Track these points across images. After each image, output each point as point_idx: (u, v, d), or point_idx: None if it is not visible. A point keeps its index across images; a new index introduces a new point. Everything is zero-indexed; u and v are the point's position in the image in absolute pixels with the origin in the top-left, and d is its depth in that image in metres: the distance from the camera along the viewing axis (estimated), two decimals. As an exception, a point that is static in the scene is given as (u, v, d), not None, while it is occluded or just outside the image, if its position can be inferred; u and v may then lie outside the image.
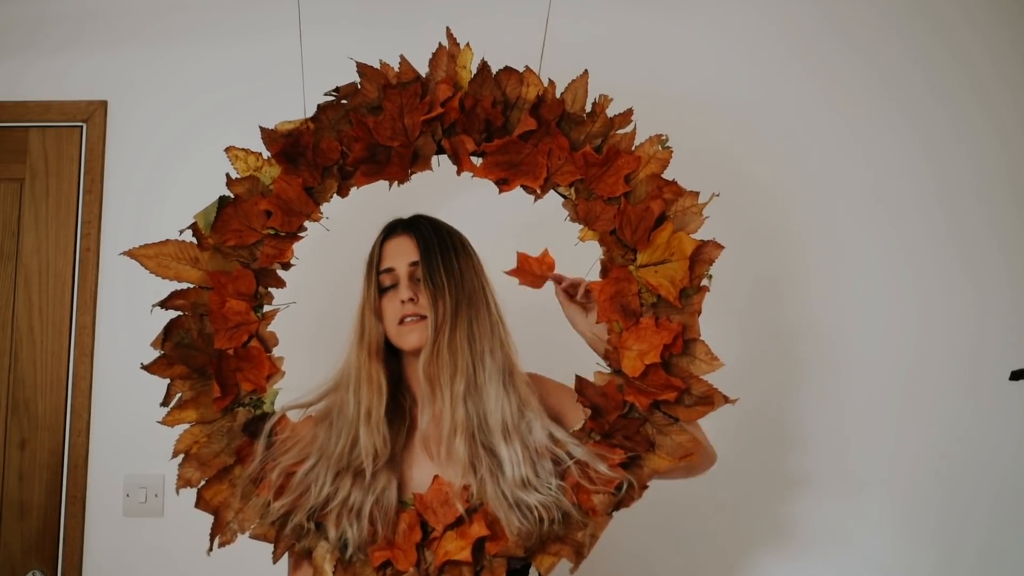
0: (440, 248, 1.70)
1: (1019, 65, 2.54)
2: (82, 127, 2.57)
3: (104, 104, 2.58)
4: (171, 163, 2.56)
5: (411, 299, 1.68)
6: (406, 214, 1.81)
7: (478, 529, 1.60)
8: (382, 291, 1.72)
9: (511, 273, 1.76)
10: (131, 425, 2.41)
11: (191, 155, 2.53)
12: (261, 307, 1.77)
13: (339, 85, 1.78)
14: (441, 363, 1.66)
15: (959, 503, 2.41)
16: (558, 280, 1.78)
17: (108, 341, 2.50)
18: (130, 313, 2.45)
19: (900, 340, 2.47)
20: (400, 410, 1.74)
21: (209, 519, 1.71)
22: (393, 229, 1.77)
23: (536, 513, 1.59)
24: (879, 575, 2.42)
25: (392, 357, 1.76)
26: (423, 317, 1.67)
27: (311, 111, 1.78)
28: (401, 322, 1.69)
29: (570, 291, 1.79)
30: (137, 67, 2.60)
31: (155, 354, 1.73)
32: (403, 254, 1.71)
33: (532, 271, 1.77)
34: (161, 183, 2.55)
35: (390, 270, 1.72)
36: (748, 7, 2.58)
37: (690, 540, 2.42)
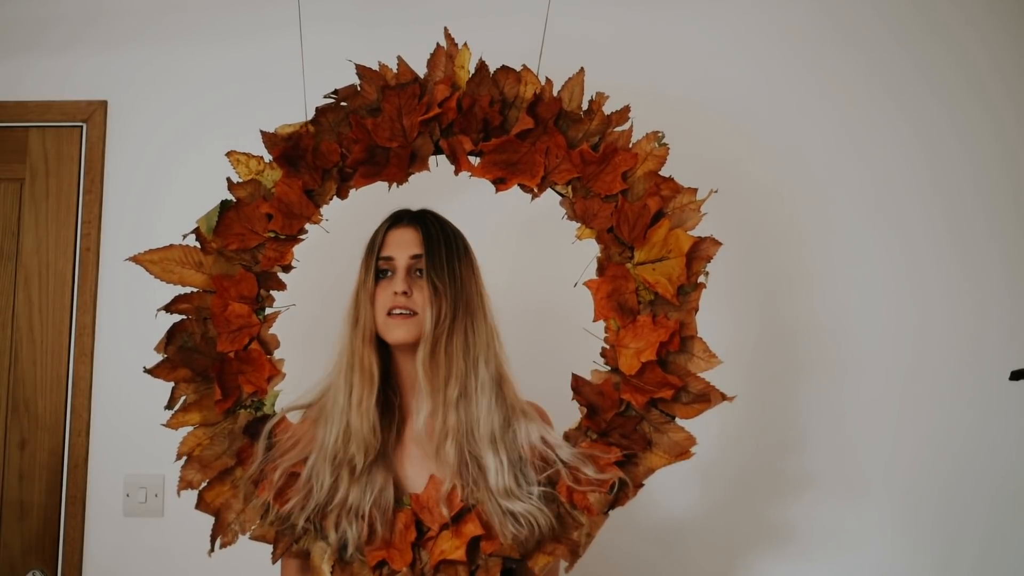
0: (445, 248, 1.69)
1: (1019, 65, 2.54)
2: (82, 127, 2.58)
3: (104, 104, 2.58)
4: (171, 163, 2.56)
5: (404, 292, 1.65)
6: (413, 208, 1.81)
7: (473, 528, 1.61)
8: (377, 278, 1.71)
9: None
10: (131, 425, 2.42)
11: (191, 155, 2.53)
12: (263, 310, 1.77)
13: (338, 87, 1.78)
14: (436, 366, 1.65)
15: (959, 503, 2.41)
16: None
17: (108, 341, 2.50)
18: (130, 313, 2.45)
19: (899, 340, 2.46)
20: (390, 405, 1.73)
21: (209, 519, 1.71)
22: (400, 219, 1.75)
23: (523, 521, 1.60)
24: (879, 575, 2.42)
25: (382, 347, 1.73)
26: (413, 313, 1.66)
27: (312, 111, 1.78)
28: (389, 313, 1.67)
29: None
30: (137, 67, 2.60)
31: (156, 357, 1.73)
32: (406, 245, 1.70)
33: None
34: (161, 183, 2.55)
35: (389, 259, 1.70)
36: (747, 7, 2.58)
37: (689, 541, 2.42)
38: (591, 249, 1.75)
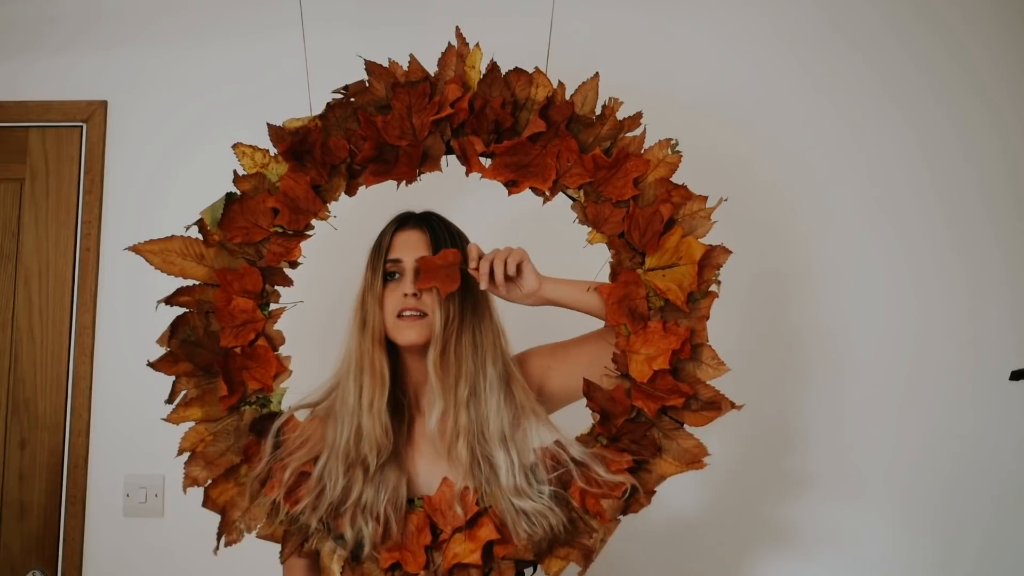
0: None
1: (1019, 65, 2.56)
2: (82, 127, 2.57)
3: (104, 104, 2.58)
4: (171, 163, 2.55)
5: (414, 294, 1.67)
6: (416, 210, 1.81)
7: (487, 532, 1.60)
8: (385, 281, 1.71)
9: (419, 285, 1.65)
10: (131, 425, 2.42)
11: (191, 155, 2.53)
12: (268, 305, 1.76)
13: (347, 83, 1.77)
14: (446, 366, 1.66)
15: (959, 503, 2.42)
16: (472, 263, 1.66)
17: (108, 341, 2.49)
18: (130, 313, 2.45)
19: (900, 341, 2.48)
20: (399, 405, 1.73)
21: (209, 519, 1.70)
22: (405, 221, 1.76)
23: (536, 520, 1.60)
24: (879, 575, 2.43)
25: (391, 348, 1.73)
26: (423, 315, 1.67)
27: (316, 110, 1.78)
28: (399, 315, 1.68)
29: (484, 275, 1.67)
30: (137, 67, 2.60)
31: (158, 352, 1.72)
32: (413, 248, 1.71)
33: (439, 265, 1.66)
34: (161, 183, 2.54)
35: (397, 261, 1.70)
36: (753, 10, 2.59)
37: (689, 541, 2.43)
38: (603, 254, 1.75)
